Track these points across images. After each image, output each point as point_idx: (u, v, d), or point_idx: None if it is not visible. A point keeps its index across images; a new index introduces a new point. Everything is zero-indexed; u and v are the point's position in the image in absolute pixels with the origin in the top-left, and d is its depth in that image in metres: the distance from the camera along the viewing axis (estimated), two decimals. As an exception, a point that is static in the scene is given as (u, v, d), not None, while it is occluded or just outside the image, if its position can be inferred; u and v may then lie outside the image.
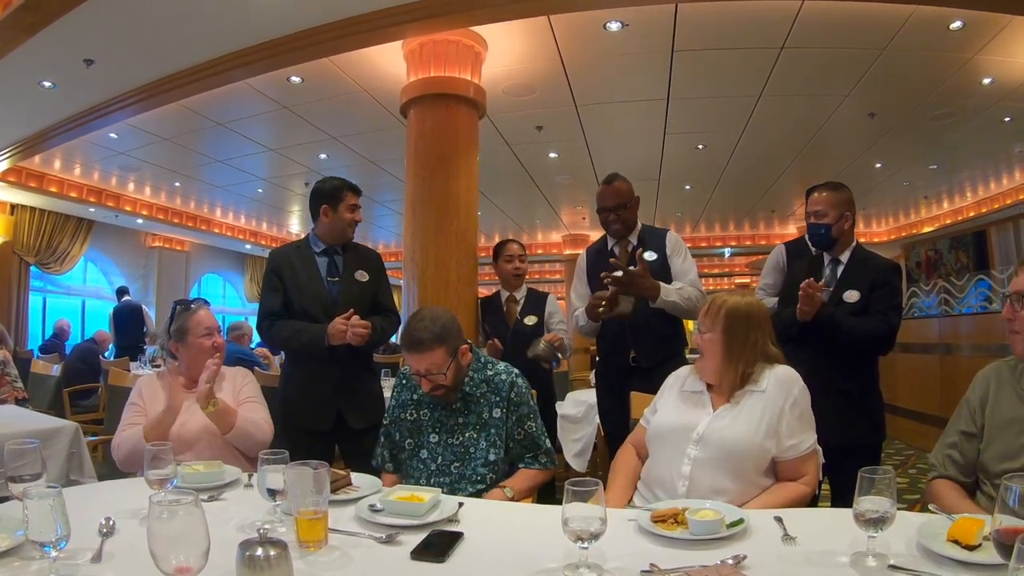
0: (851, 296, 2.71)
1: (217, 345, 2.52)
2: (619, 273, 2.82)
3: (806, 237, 3.11)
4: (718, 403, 1.99)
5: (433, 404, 2.29)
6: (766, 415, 1.90)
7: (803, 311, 2.59)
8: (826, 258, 2.86)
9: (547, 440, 2.32)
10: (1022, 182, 10.45)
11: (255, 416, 2.47)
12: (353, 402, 2.94)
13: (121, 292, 9.79)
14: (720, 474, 1.85)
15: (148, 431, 2.27)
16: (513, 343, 3.92)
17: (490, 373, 2.31)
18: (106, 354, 7.94)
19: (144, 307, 9.93)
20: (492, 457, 2.21)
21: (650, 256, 3.16)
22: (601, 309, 2.92)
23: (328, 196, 3.02)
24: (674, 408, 2.06)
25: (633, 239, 3.25)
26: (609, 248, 3.30)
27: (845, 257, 2.81)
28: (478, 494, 2.16)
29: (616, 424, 3.05)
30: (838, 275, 2.79)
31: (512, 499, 2.10)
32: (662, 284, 2.95)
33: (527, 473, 2.26)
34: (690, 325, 4.25)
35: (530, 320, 4.00)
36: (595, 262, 3.32)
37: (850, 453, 2.34)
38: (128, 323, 9.09)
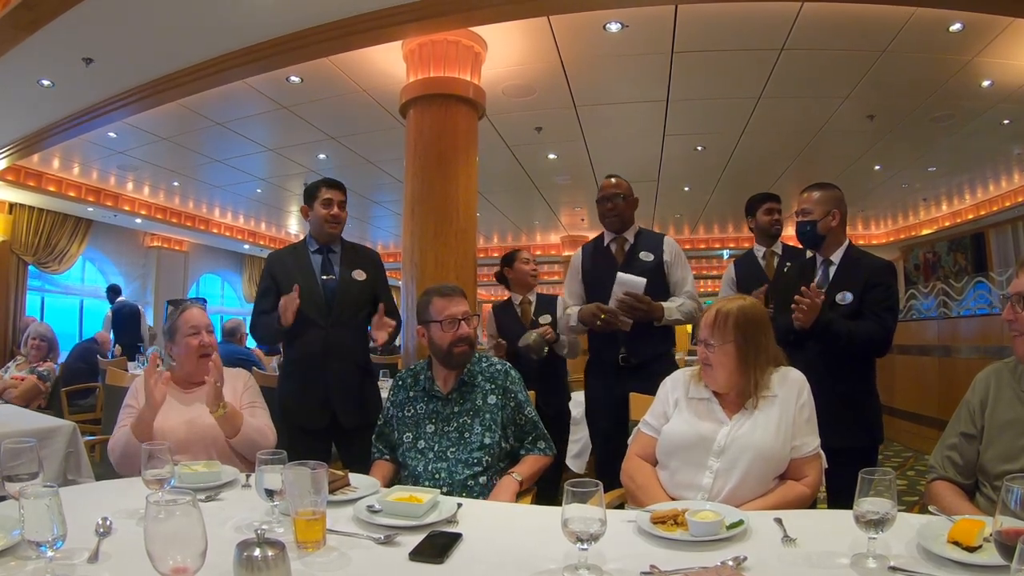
0: (844, 298, 2.67)
1: (204, 344, 2.48)
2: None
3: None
4: (730, 411, 1.96)
5: (428, 397, 2.38)
6: (783, 420, 1.89)
7: (799, 320, 2.58)
8: (818, 259, 2.84)
9: (543, 427, 2.43)
10: (1021, 185, 10.46)
11: (259, 423, 2.45)
12: (346, 402, 2.95)
13: (114, 291, 9.73)
14: (741, 483, 1.84)
15: (134, 428, 2.25)
16: None
17: (485, 364, 2.42)
18: (108, 355, 7.91)
19: (141, 308, 9.90)
20: (487, 441, 2.27)
21: (645, 256, 3.24)
22: (599, 323, 3.06)
23: (307, 196, 3.09)
24: (686, 419, 2.00)
25: (630, 237, 3.31)
26: (605, 245, 3.35)
27: (837, 257, 2.77)
28: (475, 477, 2.22)
29: (604, 420, 3.12)
30: (830, 276, 2.76)
31: (521, 483, 2.20)
32: (664, 305, 3.09)
33: (531, 458, 2.34)
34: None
35: (544, 319, 4.02)
36: (591, 260, 3.38)
37: (847, 455, 2.33)
38: (126, 323, 9.07)
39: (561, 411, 4.01)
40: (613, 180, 3.34)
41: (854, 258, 2.77)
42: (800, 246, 3.13)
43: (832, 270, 2.77)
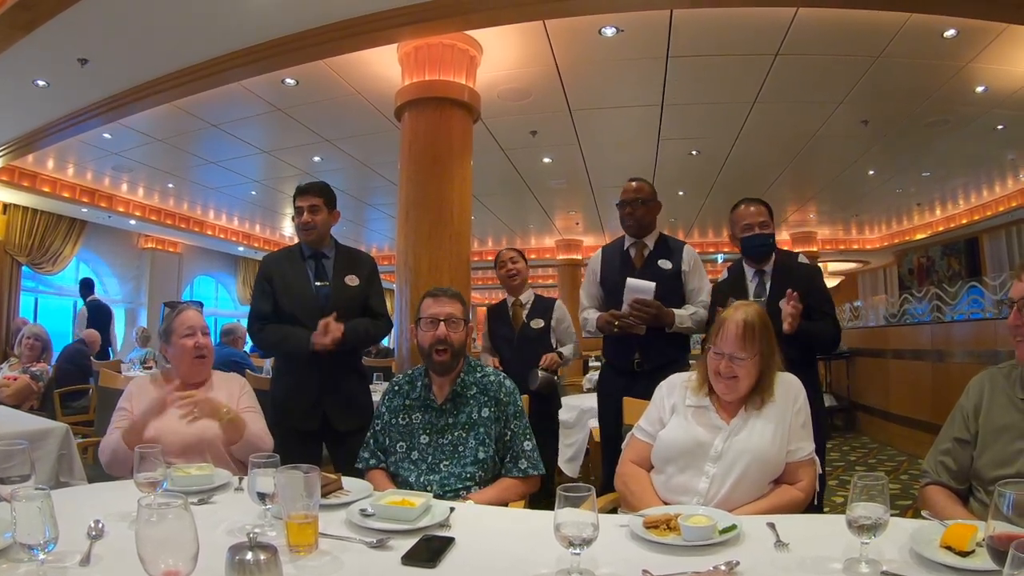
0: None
1: (199, 345, 2.47)
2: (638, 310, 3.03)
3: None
4: (727, 416, 1.96)
5: (424, 407, 2.33)
6: (780, 425, 1.90)
7: (791, 325, 2.66)
8: (747, 271, 2.96)
9: (530, 443, 2.31)
10: (1014, 190, 10.50)
11: (257, 428, 2.44)
12: (338, 404, 2.95)
13: (87, 285, 9.56)
14: (737, 487, 1.84)
15: (125, 434, 2.25)
16: (519, 347, 3.93)
17: (479, 375, 2.37)
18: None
19: (111, 309, 9.82)
20: (481, 455, 2.24)
21: (664, 264, 3.23)
22: (616, 329, 3.08)
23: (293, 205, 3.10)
24: (684, 424, 2.00)
25: (650, 243, 3.29)
26: (624, 248, 3.33)
27: (769, 267, 2.90)
28: (467, 490, 2.19)
29: (613, 427, 3.06)
30: (767, 285, 2.85)
31: None
32: (676, 312, 3.09)
33: (505, 483, 2.25)
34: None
35: (536, 324, 3.99)
36: (609, 263, 3.37)
37: None
38: (100, 321, 8.95)
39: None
40: (634, 184, 3.30)
41: (785, 266, 2.92)
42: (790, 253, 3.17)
43: (767, 279, 2.90)
